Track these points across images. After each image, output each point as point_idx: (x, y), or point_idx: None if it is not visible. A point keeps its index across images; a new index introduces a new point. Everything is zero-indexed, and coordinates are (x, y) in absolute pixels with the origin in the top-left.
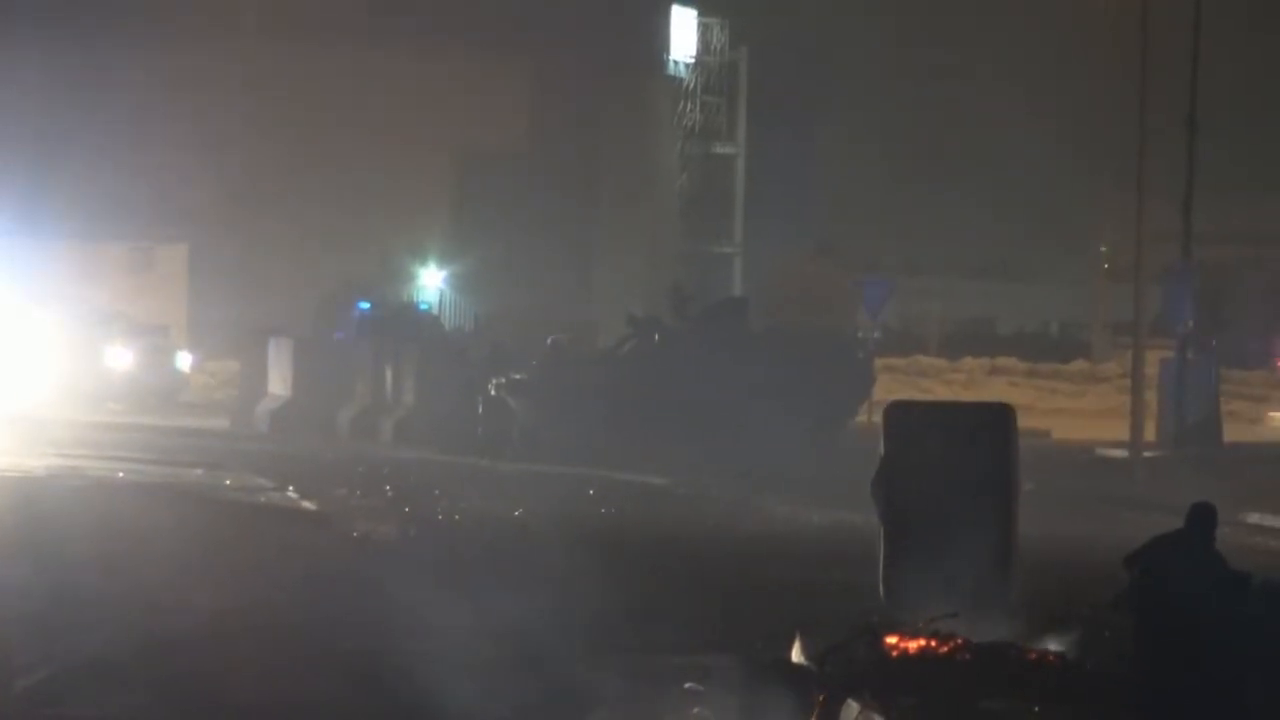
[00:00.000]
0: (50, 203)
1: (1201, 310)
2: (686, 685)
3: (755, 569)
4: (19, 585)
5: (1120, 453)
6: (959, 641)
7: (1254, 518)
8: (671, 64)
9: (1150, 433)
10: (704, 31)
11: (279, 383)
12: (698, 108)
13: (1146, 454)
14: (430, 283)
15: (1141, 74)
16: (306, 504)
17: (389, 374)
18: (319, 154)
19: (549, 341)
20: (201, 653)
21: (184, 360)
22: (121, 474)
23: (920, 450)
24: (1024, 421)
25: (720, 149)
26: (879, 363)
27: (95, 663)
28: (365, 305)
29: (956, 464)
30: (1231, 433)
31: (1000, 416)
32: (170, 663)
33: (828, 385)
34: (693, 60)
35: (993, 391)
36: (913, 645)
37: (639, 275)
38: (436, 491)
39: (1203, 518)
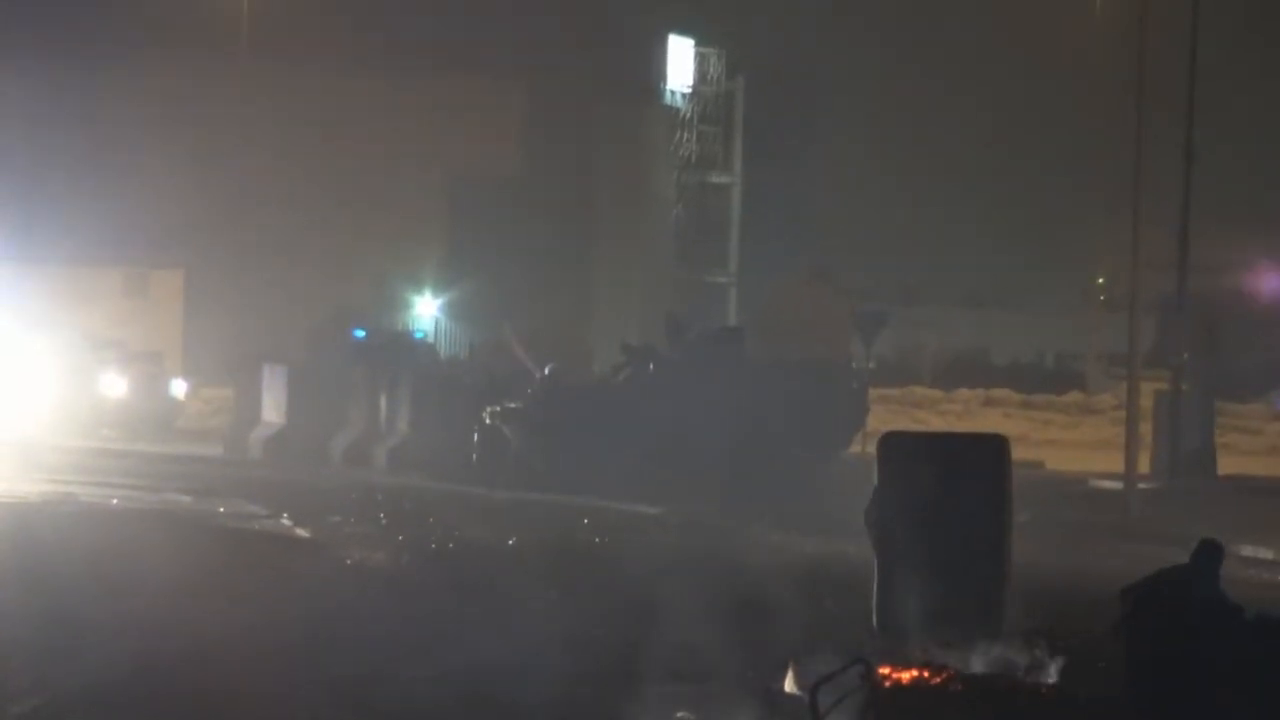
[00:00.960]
0: (45, 227)
1: (1197, 342)
2: (679, 714)
3: (748, 598)
4: (12, 611)
5: (1114, 484)
6: (951, 672)
7: (1247, 550)
8: (668, 93)
9: (1145, 464)
10: (701, 61)
11: (273, 410)
12: (694, 137)
13: (1141, 485)
14: (425, 310)
15: (1138, 103)
16: (300, 531)
17: (383, 401)
18: (314, 181)
19: (546, 370)
20: (194, 680)
21: (178, 387)
22: (115, 500)
23: (914, 481)
24: (1018, 453)
25: (716, 178)
26: (873, 393)
27: (88, 689)
28: (360, 333)
29: (950, 495)
30: (1226, 465)
31: (994, 447)
32: (163, 689)
33: (822, 415)
34: (689, 90)
35: (987, 422)
36: (905, 675)
37: (634, 304)
38: (430, 519)
39: (1210, 554)
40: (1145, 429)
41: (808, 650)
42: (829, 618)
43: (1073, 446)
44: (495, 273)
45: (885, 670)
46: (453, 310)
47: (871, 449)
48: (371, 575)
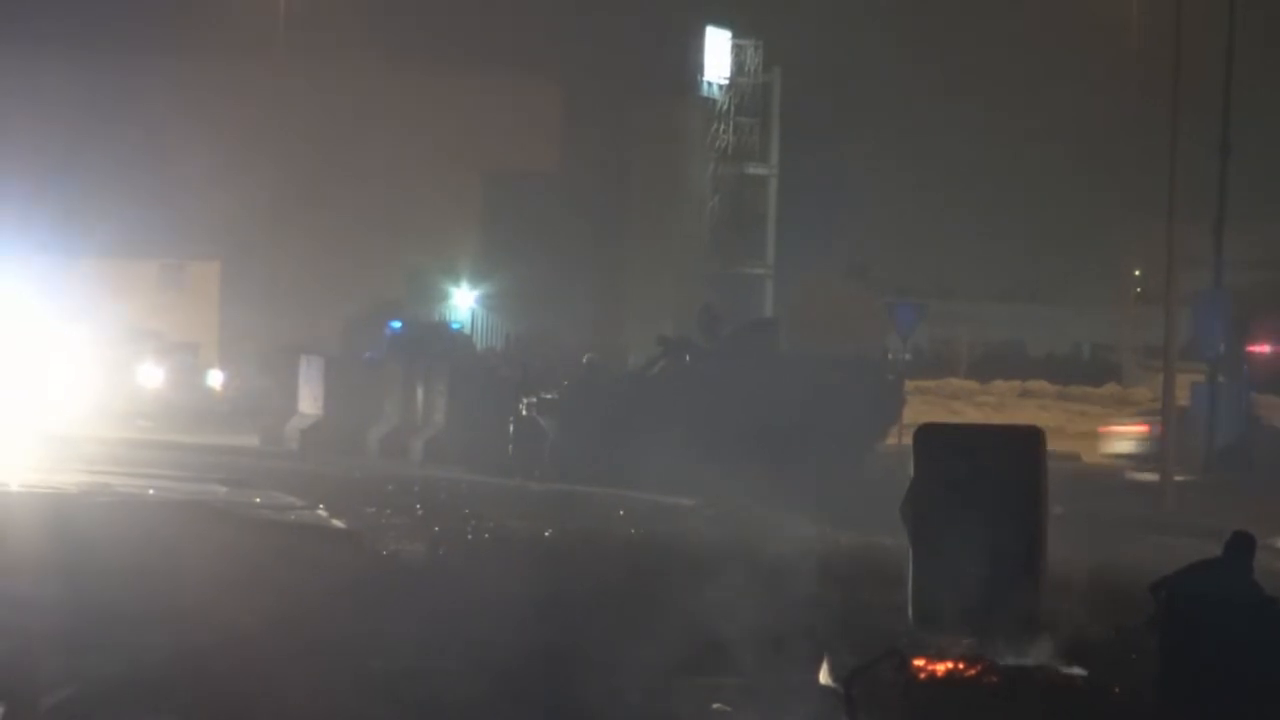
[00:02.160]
0: (83, 220)
1: (1233, 335)
2: (714, 705)
3: (783, 590)
4: (48, 601)
5: (1150, 476)
6: (986, 664)
7: None
8: (705, 85)
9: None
10: (738, 53)
11: (309, 401)
12: (731, 129)
13: (1177, 478)
14: (462, 302)
15: (1173, 98)
16: (336, 522)
17: (419, 393)
18: (351, 173)
19: (584, 360)
20: (229, 671)
21: (214, 378)
22: (152, 491)
23: (949, 472)
24: (1054, 444)
25: (753, 170)
26: (909, 385)
27: (122, 680)
28: (397, 324)
29: (985, 486)
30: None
31: (1030, 439)
32: (197, 680)
33: (858, 407)
34: (726, 81)
35: (1023, 414)
36: (940, 667)
37: (670, 295)
38: (466, 511)
39: (1241, 546)
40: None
41: (843, 642)
42: (864, 609)
43: None
44: (531, 265)
45: (920, 662)
46: (489, 302)
47: (907, 440)
48: (407, 567)
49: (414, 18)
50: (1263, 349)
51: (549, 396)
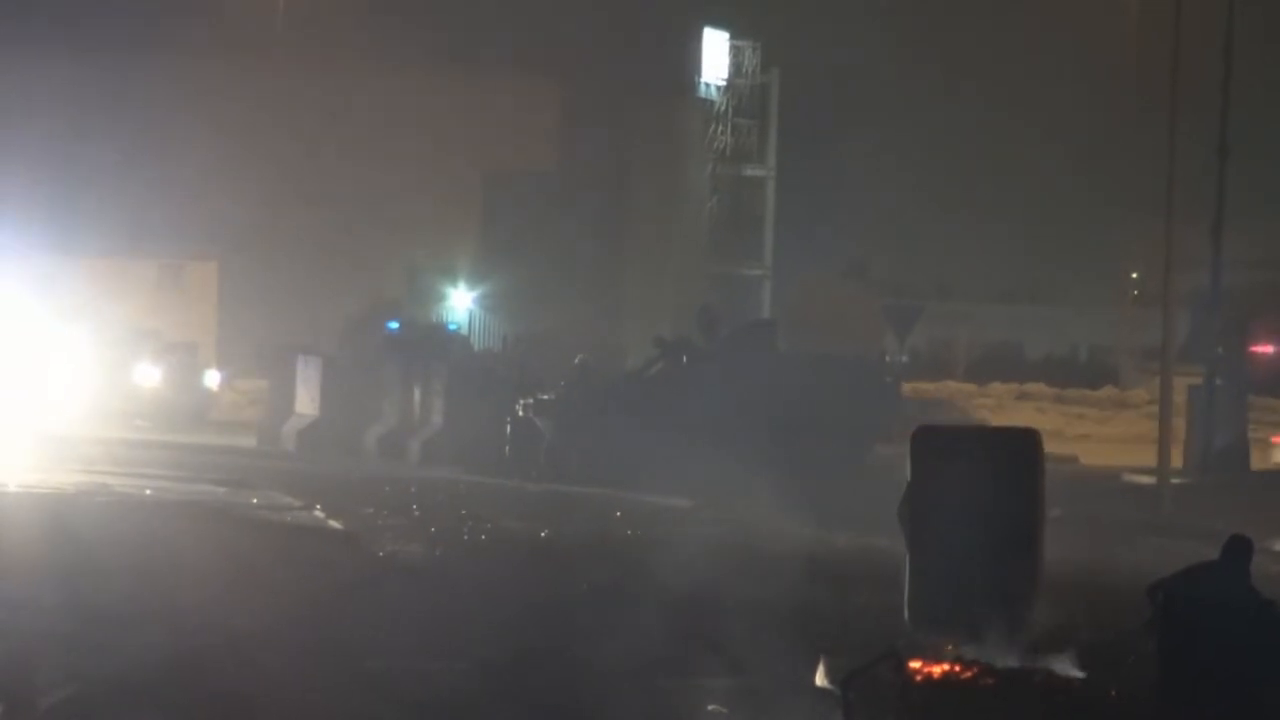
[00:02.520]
0: (81, 220)
1: (1231, 337)
2: (710, 708)
3: (780, 592)
4: (47, 602)
5: (1147, 479)
6: (982, 666)
7: (1279, 545)
8: (703, 86)
9: (1178, 459)
10: (736, 54)
11: (307, 401)
12: (729, 130)
13: (1174, 480)
14: (460, 303)
15: (1171, 99)
16: (333, 523)
17: (417, 394)
18: (349, 174)
19: (576, 361)
20: (227, 671)
21: (212, 378)
22: (149, 491)
23: (946, 475)
24: (1051, 447)
25: (751, 171)
26: (907, 387)
27: (120, 681)
28: (394, 325)
29: (982, 489)
30: (1259, 459)
31: (1027, 442)
32: (195, 681)
33: (855, 408)
34: (724, 83)
35: (1020, 417)
36: (937, 669)
37: (668, 297)
38: (463, 511)
39: (1238, 549)
40: (1179, 424)
41: (839, 644)
42: (861, 611)
43: (1106, 441)
44: (529, 266)
45: (917, 664)
46: (487, 303)
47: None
48: (404, 567)
49: (413, 17)
50: (1264, 349)
51: (546, 398)
